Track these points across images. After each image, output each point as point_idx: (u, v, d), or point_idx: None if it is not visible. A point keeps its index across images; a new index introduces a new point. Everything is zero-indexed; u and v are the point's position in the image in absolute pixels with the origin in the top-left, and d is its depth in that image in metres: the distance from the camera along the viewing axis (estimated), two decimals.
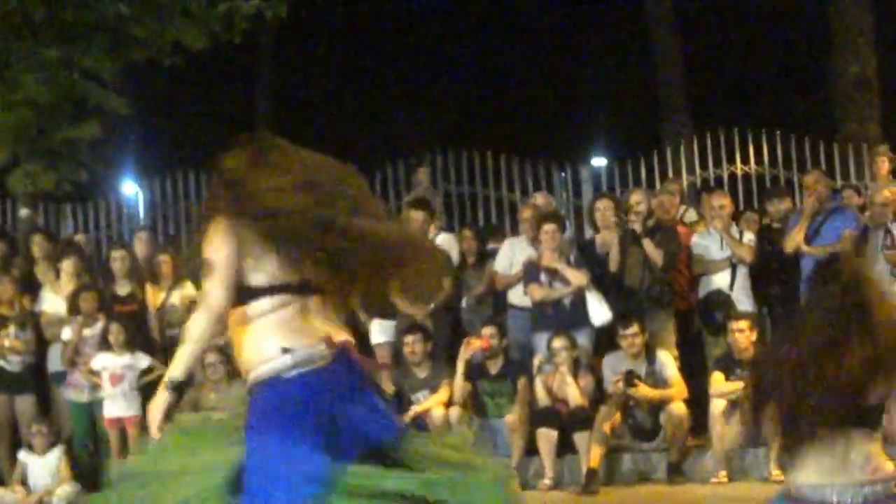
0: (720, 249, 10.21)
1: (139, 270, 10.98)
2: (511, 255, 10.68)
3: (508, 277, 10.62)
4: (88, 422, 10.37)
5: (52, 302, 10.73)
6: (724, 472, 9.13)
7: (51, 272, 11.06)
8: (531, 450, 9.61)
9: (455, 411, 9.64)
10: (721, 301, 10.00)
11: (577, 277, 10.04)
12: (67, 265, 10.79)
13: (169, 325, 10.77)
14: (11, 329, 10.41)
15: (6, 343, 10.36)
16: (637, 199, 10.48)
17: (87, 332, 10.37)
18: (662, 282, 10.08)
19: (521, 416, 9.64)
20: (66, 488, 9.94)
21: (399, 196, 14.40)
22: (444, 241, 11.21)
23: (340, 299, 4.32)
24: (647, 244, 10.04)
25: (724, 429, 9.17)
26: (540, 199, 11.68)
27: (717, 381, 9.38)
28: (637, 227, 10.18)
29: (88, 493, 10.10)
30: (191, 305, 10.63)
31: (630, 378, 9.44)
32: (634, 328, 9.56)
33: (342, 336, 4.21)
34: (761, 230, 10.67)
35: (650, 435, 9.59)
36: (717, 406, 9.26)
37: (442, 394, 9.85)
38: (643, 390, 9.43)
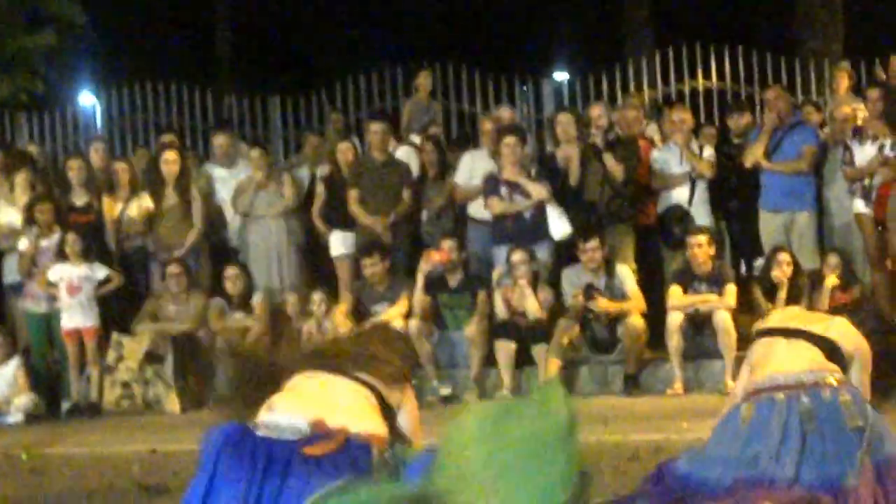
0: (680, 164, 10.23)
1: (95, 181, 10.87)
2: (471, 167, 10.64)
3: (468, 190, 10.60)
4: (46, 333, 10.34)
5: (7, 213, 10.63)
6: (679, 384, 9.22)
7: (5, 184, 10.94)
8: (490, 362, 9.67)
9: (414, 323, 9.66)
10: (680, 216, 10.04)
11: (538, 191, 10.04)
12: (21, 177, 10.68)
13: (126, 236, 10.71)
14: None
15: None
16: (598, 112, 10.46)
17: (43, 243, 10.29)
18: (622, 196, 10.08)
19: (480, 329, 9.68)
20: (24, 399, 9.91)
21: (361, 108, 14.31)
22: (405, 153, 11.19)
23: None
24: (608, 158, 10.03)
25: (680, 341, 9.26)
26: (501, 112, 11.62)
27: (675, 295, 9.45)
28: (598, 140, 10.16)
29: (47, 403, 10.13)
30: (147, 217, 10.62)
31: (590, 292, 9.48)
32: (594, 242, 9.58)
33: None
34: (721, 145, 10.67)
35: (608, 347, 9.67)
36: (673, 319, 9.33)
37: (401, 306, 9.87)
38: (602, 304, 9.49)
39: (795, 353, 5.18)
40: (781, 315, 5.81)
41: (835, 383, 5.01)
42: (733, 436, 5.05)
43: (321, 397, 4.39)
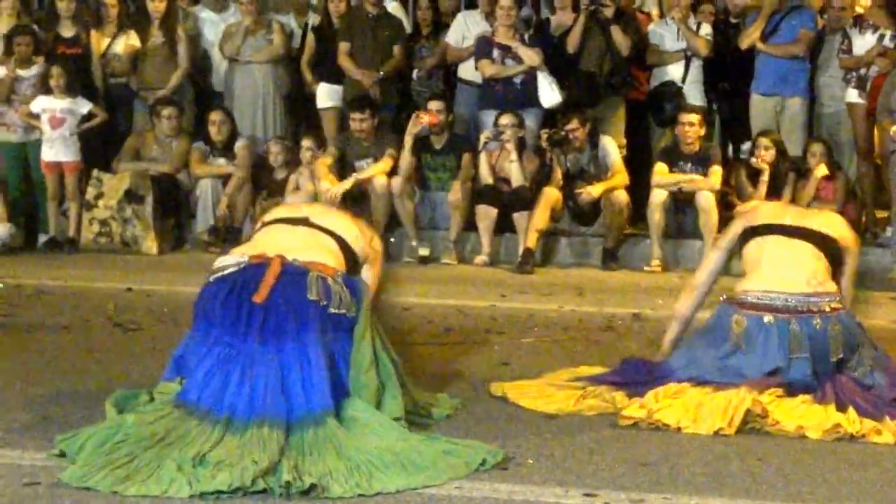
0: (676, 40, 10.10)
1: (85, 14, 10.66)
2: (464, 28, 10.50)
3: (460, 51, 10.47)
4: (22, 163, 10.23)
5: None
6: (657, 262, 9.26)
7: None
8: (470, 226, 9.66)
9: (397, 182, 9.61)
10: (672, 93, 9.95)
11: (530, 57, 9.93)
12: (6, 4, 10.46)
13: (111, 73, 10.56)
14: None
15: None
16: None
17: (22, 72, 10.13)
18: (624, 70, 9.98)
19: (463, 192, 9.64)
20: (2, 228, 9.86)
21: None
22: (396, 9, 11.01)
23: None
24: (616, 31, 9.88)
25: (662, 218, 9.27)
26: None
27: (660, 172, 9.43)
28: (608, 12, 9.96)
29: (24, 235, 10.09)
30: (133, 55, 10.45)
31: (554, 136, 9.41)
32: (574, 123, 9.50)
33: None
34: (718, 24, 10.54)
35: (589, 220, 9.67)
36: (657, 196, 9.32)
37: (385, 163, 9.79)
38: (589, 191, 9.41)
39: (796, 261, 5.25)
40: (773, 210, 5.78)
41: (827, 310, 5.10)
42: (717, 344, 5.16)
43: (272, 240, 4.86)
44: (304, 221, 4.97)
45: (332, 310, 4.61)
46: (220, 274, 4.71)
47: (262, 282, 4.58)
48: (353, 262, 4.94)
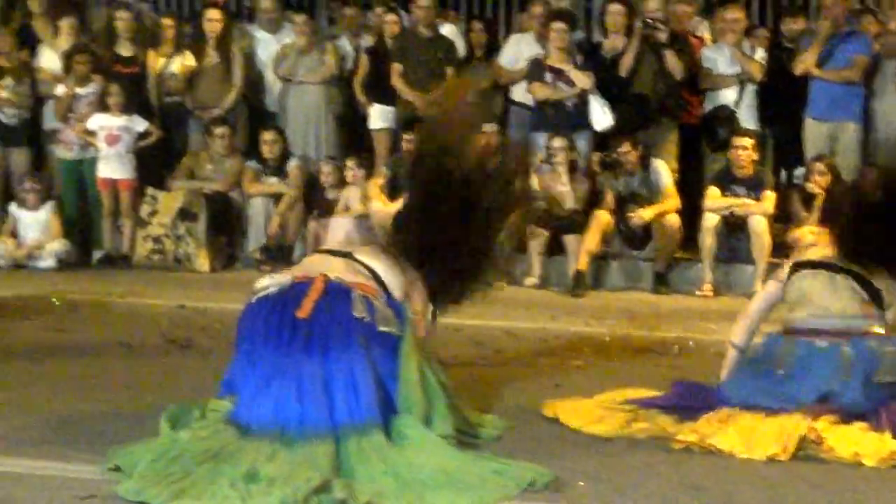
0: (729, 65, 10.08)
1: (142, 33, 10.79)
2: (517, 50, 10.54)
3: (512, 73, 10.51)
4: (78, 180, 10.36)
5: (49, 58, 10.59)
6: (709, 286, 9.22)
7: (49, 28, 10.87)
8: (520, 248, 9.65)
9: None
10: (726, 117, 9.93)
11: (583, 80, 9.95)
12: (66, 23, 10.60)
13: (167, 92, 10.67)
14: (8, 81, 10.28)
15: (2, 94, 10.25)
16: (654, 6, 10.25)
17: (80, 90, 10.26)
18: (677, 94, 9.98)
19: (514, 214, 9.62)
20: (56, 244, 9.98)
21: None
22: (451, 32, 11.07)
23: None
24: (669, 55, 9.88)
25: (713, 243, 9.24)
26: None
27: (712, 196, 9.41)
28: (662, 36, 9.96)
29: (79, 252, 10.20)
30: (188, 74, 10.56)
31: (605, 160, 9.41)
32: (626, 146, 9.53)
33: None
34: (772, 48, 10.50)
35: (640, 243, 9.65)
36: (709, 220, 9.30)
37: None
38: (640, 215, 9.40)
39: (844, 291, 5.22)
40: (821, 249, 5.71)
41: (880, 332, 5.08)
42: (769, 370, 5.14)
43: (314, 264, 4.95)
44: (347, 255, 5.01)
45: (378, 327, 4.63)
46: (262, 293, 4.76)
47: (305, 297, 4.61)
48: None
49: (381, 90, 10.68)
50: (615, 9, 10.35)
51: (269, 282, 4.82)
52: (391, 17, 10.92)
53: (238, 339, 4.73)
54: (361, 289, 4.72)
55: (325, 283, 4.68)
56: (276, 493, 4.01)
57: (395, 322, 4.71)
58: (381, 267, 4.99)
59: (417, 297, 5.08)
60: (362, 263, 4.94)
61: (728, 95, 10.05)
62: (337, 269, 4.82)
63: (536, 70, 10.11)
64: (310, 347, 4.51)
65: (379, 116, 10.73)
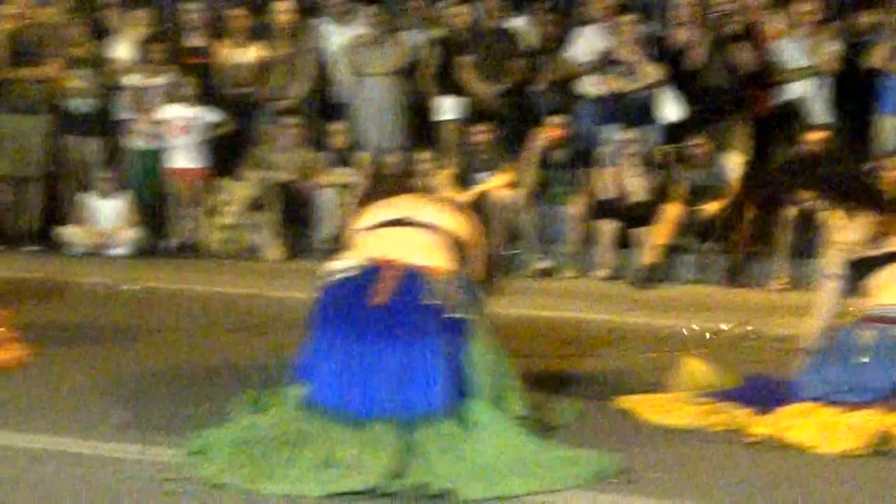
0: (801, 57, 9.99)
1: (213, 25, 10.88)
2: (586, 43, 10.51)
3: (581, 66, 10.49)
4: (150, 170, 10.47)
5: (122, 49, 10.71)
6: (784, 279, 9.14)
7: (122, 19, 11.00)
8: (590, 240, 9.66)
9: (518, 195, 9.65)
10: (797, 110, 9.84)
11: (652, 72, 9.92)
12: (139, 14, 10.71)
13: (237, 83, 10.74)
14: (81, 71, 10.41)
15: (77, 84, 10.39)
16: None
17: (153, 80, 10.37)
18: (747, 87, 9.90)
19: (583, 207, 9.65)
20: (130, 232, 10.12)
21: None
22: (520, 24, 11.06)
23: None
24: (740, 47, 9.80)
25: (788, 236, 9.16)
26: None
27: None
28: (733, 28, 9.89)
29: (151, 239, 10.33)
30: (259, 65, 10.64)
31: (676, 152, 9.38)
32: (696, 138, 9.49)
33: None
34: (844, 41, 10.38)
35: (711, 236, 9.58)
36: (784, 213, 9.20)
37: (505, 176, 9.85)
38: (710, 208, 9.35)
39: None
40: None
41: None
42: (844, 361, 5.10)
43: (383, 244, 4.86)
44: (406, 221, 4.97)
45: (449, 312, 4.64)
46: (335, 278, 4.77)
47: (379, 284, 4.63)
48: (460, 250, 4.97)
49: (449, 82, 10.70)
50: (685, 0, 10.31)
51: (341, 266, 4.81)
52: (461, 8, 10.93)
53: (313, 324, 4.74)
54: (434, 272, 4.73)
55: (399, 268, 4.69)
56: (353, 478, 4.05)
57: (468, 306, 4.72)
58: (442, 216, 5.00)
59: (478, 242, 5.11)
60: (423, 224, 4.91)
61: (800, 88, 9.96)
62: (405, 247, 4.80)
63: (606, 63, 10.08)
64: (385, 334, 4.53)
65: (448, 108, 10.75)
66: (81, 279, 8.79)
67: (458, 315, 4.67)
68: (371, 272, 4.71)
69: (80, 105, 10.47)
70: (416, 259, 4.76)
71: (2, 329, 6.55)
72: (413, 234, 4.90)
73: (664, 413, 5.16)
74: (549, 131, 9.78)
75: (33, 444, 4.58)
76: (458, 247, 4.95)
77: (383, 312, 4.58)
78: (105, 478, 4.19)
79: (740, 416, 5.06)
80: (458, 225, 5.02)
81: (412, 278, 4.68)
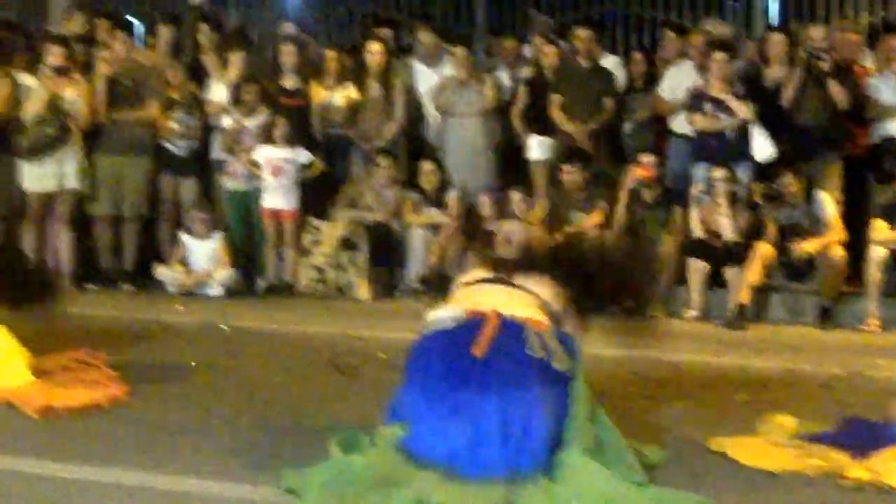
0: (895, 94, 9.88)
1: (306, 66, 11.04)
2: (677, 80, 10.49)
3: (672, 103, 10.47)
4: (243, 210, 10.62)
5: (218, 91, 10.89)
6: (876, 321, 9.01)
7: (217, 61, 11.20)
8: (680, 280, 9.60)
9: (610, 235, 9.63)
10: (893, 148, 9.71)
11: (743, 110, 9.87)
12: (235, 57, 10.89)
13: (330, 124, 10.88)
14: (178, 113, 10.61)
15: (173, 126, 10.59)
16: (817, 35, 10.12)
17: (247, 122, 10.53)
18: (841, 124, 9.81)
19: (673, 246, 9.61)
20: (224, 273, 10.26)
21: (567, 13, 14.12)
22: (610, 62, 11.08)
23: None
24: (833, 85, 9.72)
25: (880, 277, 9.03)
26: (713, 26, 11.36)
27: (879, 229, 9.20)
28: (826, 65, 9.81)
29: (244, 279, 10.47)
30: (351, 106, 10.76)
31: (767, 191, 9.31)
32: (788, 177, 9.40)
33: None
34: None
35: (803, 276, 9.49)
36: (876, 253, 9.10)
37: (596, 216, 9.85)
38: (803, 247, 9.26)
39: None
40: None
41: None
42: None
43: (483, 297, 4.90)
44: (506, 281, 5.02)
45: (549, 364, 4.64)
46: (435, 328, 4.81)
47: (480, 335, 4.65)
48: (555, 321, 4.97)
49: (539, 121, 10.75)
50: (776, 38, 10.28)
51: (443, 315, 4.86)
52: (550, 48, 10.99)
53: (411, 371, 4.75)
54: (534, 325, 4.74)
55: (499, 319, 4.71)
56: None
57: (567, 358, 4.72)
58: (540, 288, 5.00)
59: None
60: (522, 288, 4.96)
61: (894, 127, 9.84)
62: (505, 301, 4.84)
63: (696, 100, 10.05)
64: (485, 387, 4.52)
65: (537, 147, 10.79)
66: (176, 319, 8.94)
67: (557, 367, 4.67)
68: (473, 323, 4.73)
69: (178, 146, 10.67)
70: (515, 312, 4.77)
71: (98, 368, 6.71)
72: (511, 291, 4.94)
73: (758, 456, 5.10)
74: (639, 171, 9.77)
75: (127, 480, 4.66)
76: (553, 316, 4.96)
77: (484, 364, 4.59)
78: None
79: (837, 459, 4.99)
80: (555, 297, 5.02)
81: (513, 329, 4.69)
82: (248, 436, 5.39)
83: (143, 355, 7.41)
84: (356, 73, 10.98)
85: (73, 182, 10.20)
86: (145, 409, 5.92)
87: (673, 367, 7.35)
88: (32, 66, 10.62)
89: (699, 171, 9.95)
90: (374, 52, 10.85)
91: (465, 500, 4.19)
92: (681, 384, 6.89)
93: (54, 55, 10.12)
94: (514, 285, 4.97)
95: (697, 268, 9.42)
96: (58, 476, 4.69)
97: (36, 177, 10.10)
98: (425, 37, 11.48)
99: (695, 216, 9.64)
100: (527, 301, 4.91)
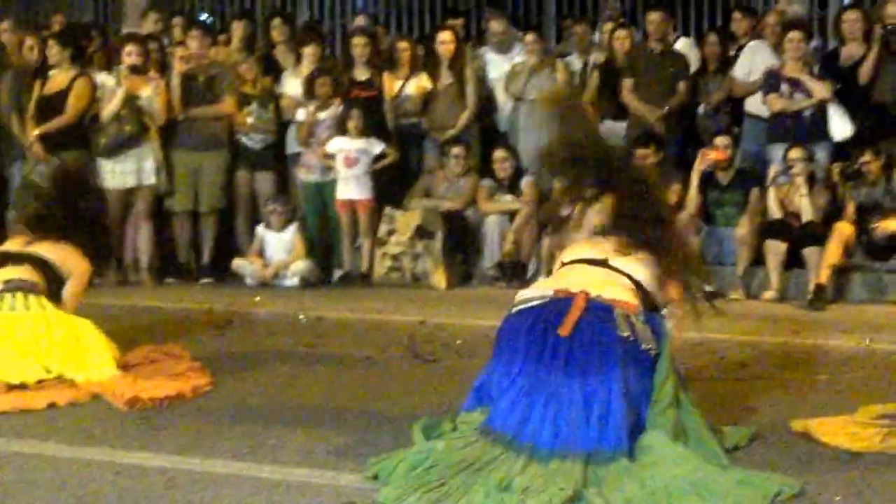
0: None
1: (379, 58, 11.10)
2: (752, 61, 10.41)
3: (747, 85, 10.39)
4: (319, 202, 10.71)
5: (292, 85, 10.99)
6: None
7: (291, 56, 11.31)
8: (758, 261, 9.53)
9: (683, 217, 9.57)
10: None
11: (820, 89, 9.77)
12: (309, 50, 10.98)
13: (403, 113, 10.92)
14: (254, 107, 10.73)
15: (249, 121, 10.71)
16: (894, 11, 9.97)
17: (321, 114, 10.61)
18: None
19: (751, 227, 9.54)
20: (301, 264, 10.36)
21: None
22: (683, 45, 11.02)
23: None
24: None
25: None
26: (788, 5, 11.25)
27: None
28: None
29: (321, 269, 10.56)
30: (424, 96, 10.80)
31: (846, 170, 9.21)
32: (867, 155, 9.30)
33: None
34: None
35: (884, 255, 9.37)
36: None
37: (672, 199, 9.78)
38: (884, 226, 9.14)
39: None
40: None
41: None
42: None
43: (574, 277, 4.88)
44: (604, 263, 4.99)
45: (636, 345, 4.65)
46: (523, 306, 4.83)
47: (567, 315, 4.67)
48: (650, 305, 4.96)
49: (611, 106, 10.71)
50: (852, 16, 10.16)
51: (530, 294, 4.88)
52: (622, 32, 10.95)
53: (497, 350, 4.78)
54: (622, 306, 4.74)
55: (586, 300, 4.71)
56: (531, 502, 4.08)
57: (654, 340, 4.72)
58: (640, 271, 4.97)
59: (673, 288, 5.05)
60: (620, 271, 4.94)
61: None
62: (597, 283, 4.83)
63: (772, 81, 9.97)
64: (569, 367, 4.54)
65: (610, 132, 10.74)
66: (256, 310, 9.04)
67: (642, 348, 4.68)
68: (558, 302, 4.74)
69: (253, 140, 10.78)
70: (604, 293, 4.77)
71: (181, 359, 6.82)
72: (604, 273, 4.91)
73: (841, 436, 5.05)
74: (711, 153, 9.70)
75: (214, 469, 4.73)
76: (649, 299, 4.93)
77: (569, 344, 4.61)
78: (289, 501, 4.31)
79: None
80: (650, 280, 4.99)
81: (600, 310, 4.70)
82: (331, 423, 5.44)
83: (223, 346, 7.51)
84: (429, 62, 11.01)
85: (151, 178, 10.35)
86: (228, 399, 6.01)
87: (753, 349, 7.31)
88: (110, 65, 10.80)
89: (776, 151, 9.86)
90: (446, 41, 10.88)
91: (548, 483, 4.21)
92: (761, 365, 6.84)
93: (131, 54, 10.27)
94: (610, 267, 4.94)
95: (776, 249, 9.33)
96: (147, 465, 4.79)
97: (115, 174, 10.25)
98: (496, 24, 11.48)
99: (772, 197, 9.56)
100: (620, 283, 4.90)
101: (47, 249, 6.71)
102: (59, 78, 10.34)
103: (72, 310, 6.64)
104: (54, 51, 10.36)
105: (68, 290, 6.70)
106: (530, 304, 4.80)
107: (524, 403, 4.53)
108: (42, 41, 10.94)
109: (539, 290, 4.89)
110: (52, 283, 6.62)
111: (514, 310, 4.84)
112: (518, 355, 4.64)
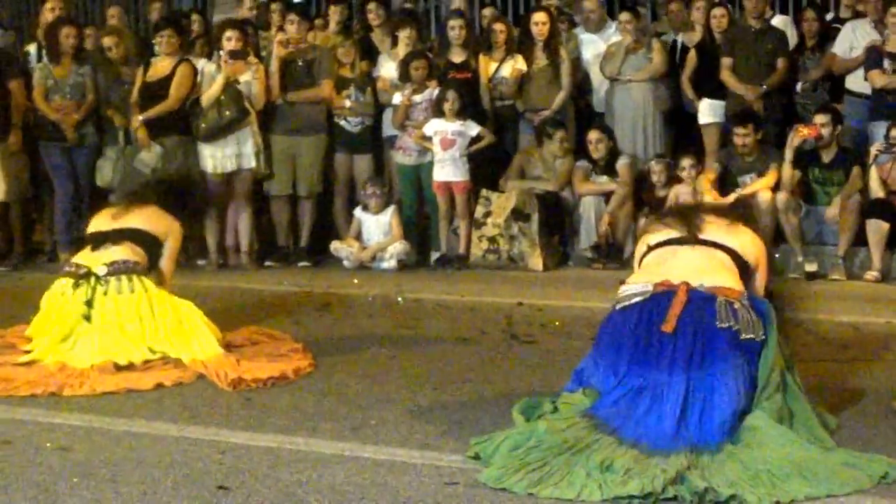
0: None
1: (475, 40, 11.10)
2: (852, 38, 10.24)
3: (848, 61, 10.23)
4: (416, 184, 10.75)
5: (388, 68, 11.03)
6: None
7: (387, 39, 11.36)
8: (859, 240, 9.39)
9: (782, 197, 9.48)
10: None
11: None
12: (405, 34, 11.00)
13: (499, 96, 10.92)
14: (351, 91, 10.80)
15: (346, 104, 10.79)
16: None
17: (416, 97, 10.65)
18: None
19: (851, 206, 9.39)
20: (398, 246, 10.42)
21: None
22: (781, 22, 10.87)
23: None
24: None
25: None
26: None
27: None
28: None
29: (417, 251, 10.62)
30: (519, 78, 10.79)
31: None
32: None
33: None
34: None
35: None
36: None
37: (769, 178, 9.70)
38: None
39: None
40: None
41: None
42: None
43: (672, 265, 4.87)
44: (695, 240, 4.98)
45: (743, 335, 4.62)
46: (626, 303, 4.82)
47: (669, 310, 4.66)
48: (747, 272, 4.94)
49: (710, 85, 10.62)
50: None
51: (632, 290, 4.86)
52: (719, 10, 10.83)
53: (600, 345, 4.82)
54: (724, 293, 4.72)
55: (688, 292, 4.70)
56: (634, 483, 4.10)
57: (759, 326, 4.69)
58: (730, 237, 4.97)
59: (760, 262, 5.05)
60: (712, 244, 4.91)
61: None
62: (695, 269, 4.81)
63: (874, 57, 9.81)
64: (673, 363, 4.57)
65: (708, 111, 10.67)
66: (354, 292, 9.13)
67: (747, 336, 4.65)
68: (660, 297, 4.74)
69: (351, 124, 10.86)
70: (705, 281, 4.76)
71: (283, 341, 6.93)
72: (701, 255, 4.91)
73: None
74: (804, 130, 9.57)
75: (320, 448, 4.81)
76: (744, 265, 4.93)
77: (673, 340, 4.62)
78: (393, 481, 4.37)
79: None
80: (745, 245, 4.99)
81: (702, 301, 4.69)
82: (431, 404, 5.50)
83: (323, 329, 7.60)
84: (524, 44, 10.99)
85: (250, 162, 10.48)
86: (329, 380, 6.10)
87: (854, 329, 7.22)
88: (209, 51, 10.94)
89: (878, 129, 9.71)
90: (539, 21, 10.86)
91: (649, 465, 4.22)
92: (862, 345, 6.77)
93: (230, 39, 10.39)
94: (703, 242, 4.93)
95: (878, 228, 9.18)
96: (252, 445, 4.88)
97: (215, 158, 10.40)
98: (590, 4, 11.42)
99: (874, 176, 9.41)
100: (717, 261, 4.87)
101: (137, 218, 6.83)
102: (161, 64, 10.50)
103: (169, 274, 6.81)
104: (165, 39, 10.47)
105: (165, 254, 6.85)
106: (633, 301, 4.79)
107: (629, 401, 4.57)
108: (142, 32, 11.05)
109: (640, 285, 4.85)
110: (151, 253, 6.76)
111: (618, 306, 4.84)
112: (623, 355, 4.67)
